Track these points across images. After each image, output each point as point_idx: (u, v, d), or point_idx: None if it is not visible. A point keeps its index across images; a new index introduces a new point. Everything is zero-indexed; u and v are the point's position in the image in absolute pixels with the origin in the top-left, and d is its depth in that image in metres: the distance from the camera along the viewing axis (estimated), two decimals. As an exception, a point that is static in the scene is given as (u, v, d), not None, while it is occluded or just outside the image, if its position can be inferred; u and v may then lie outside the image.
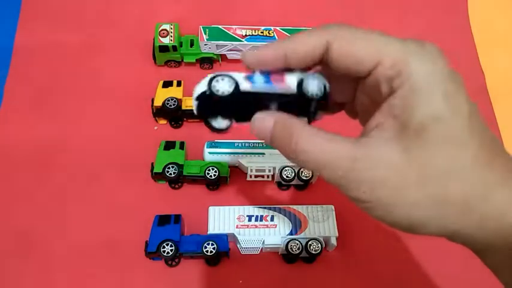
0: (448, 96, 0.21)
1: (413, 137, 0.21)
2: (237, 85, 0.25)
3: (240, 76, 0.26)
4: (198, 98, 0.26)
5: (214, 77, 0.25)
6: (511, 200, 0.22)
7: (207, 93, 0.25)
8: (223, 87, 0.25)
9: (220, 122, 0.26)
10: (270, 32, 0.59)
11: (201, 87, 0.26)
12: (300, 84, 0.26)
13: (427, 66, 0.22)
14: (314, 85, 0.26)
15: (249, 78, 0.26)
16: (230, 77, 0.25)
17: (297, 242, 0.48)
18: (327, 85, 0.26)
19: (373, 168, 0.22)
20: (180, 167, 0.51)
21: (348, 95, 0.27)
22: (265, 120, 0.25)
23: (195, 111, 0.26)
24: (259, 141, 0.54)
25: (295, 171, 0.51)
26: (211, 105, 0.26)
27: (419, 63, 0.22)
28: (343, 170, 0.22)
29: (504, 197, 0.22)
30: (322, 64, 0.25)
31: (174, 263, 0.48)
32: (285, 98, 0.26)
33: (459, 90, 0.22)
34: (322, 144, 0.23)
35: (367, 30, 0.23)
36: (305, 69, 0.26)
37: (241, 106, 0.26)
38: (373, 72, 0.23)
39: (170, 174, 0.51)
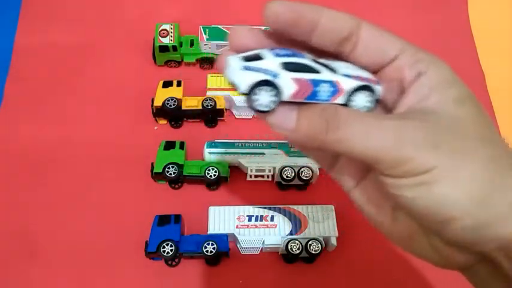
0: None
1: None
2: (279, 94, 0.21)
3: (289, 81, 0.21)
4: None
5: (258, 84, 0.21)
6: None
7: (246, 100, 0.21)
8: (264, 100, 0.21)
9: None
10: (270, 32, 0.59)
11: (244, 80, 0.21)
12: (350, 95, 0.22)
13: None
14: (362, 101, 0.23)
15: (314, 83, 0.21)
16: (276, 88, 0.21)
17: (297, 242, 0.47)
18: (377, 98, 0.23)
19: None
20: (180, 167, 0.51)
21: None
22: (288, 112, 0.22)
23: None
24: (259, 141, 0.54)
25: (295, 171, 0.51)
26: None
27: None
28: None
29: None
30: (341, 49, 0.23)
31: (174, 263, 0.48)
32: None
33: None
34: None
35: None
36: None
37: None
38: (396, 60, 0.23)
39: (170, 174, 0.51)
